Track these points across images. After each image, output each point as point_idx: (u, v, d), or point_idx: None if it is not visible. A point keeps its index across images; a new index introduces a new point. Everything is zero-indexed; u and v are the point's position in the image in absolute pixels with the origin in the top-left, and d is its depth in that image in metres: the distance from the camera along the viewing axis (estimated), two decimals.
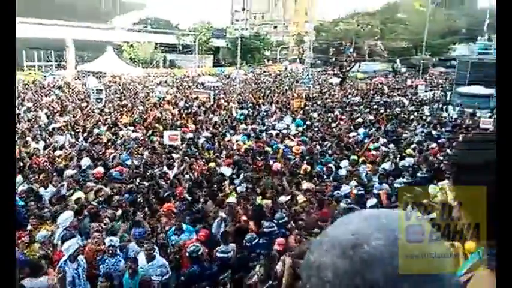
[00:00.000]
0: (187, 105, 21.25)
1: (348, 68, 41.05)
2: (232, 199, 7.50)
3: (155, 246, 5.92)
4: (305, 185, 8.96)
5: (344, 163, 10.80)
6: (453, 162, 1.05)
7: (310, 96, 27.05)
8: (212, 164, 10.40)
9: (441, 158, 11.41)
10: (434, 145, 13.05)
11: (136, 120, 16.42)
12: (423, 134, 15.53)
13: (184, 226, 6.64)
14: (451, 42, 53.91)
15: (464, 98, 24.88)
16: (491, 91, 22.14)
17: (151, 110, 19.16)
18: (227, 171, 9.96)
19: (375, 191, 8.72)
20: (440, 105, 24.84)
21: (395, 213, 0.72)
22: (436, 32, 52.16)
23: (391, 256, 0.63)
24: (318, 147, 13.00)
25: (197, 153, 11.73)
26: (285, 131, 15.41)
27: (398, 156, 11.77)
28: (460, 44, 51.57)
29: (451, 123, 18.52)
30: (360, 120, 18.26)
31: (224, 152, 11.99)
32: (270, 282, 4.65)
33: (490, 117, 18.47)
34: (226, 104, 22.31)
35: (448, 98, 27.56)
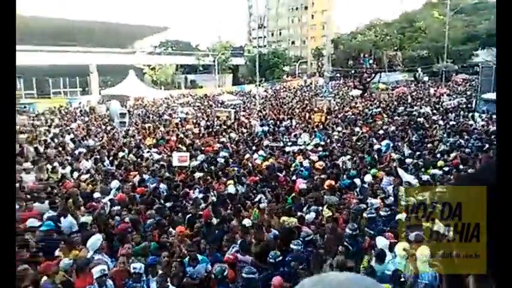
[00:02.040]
0: (209, 124, 21.50)
1: (368, 80, 40.66)
2: (247, 221, 7.42)
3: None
4: (329, 199, 8.86)
5: (368, 177, 10.59)
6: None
7: (331, 109, 26.86)
8: (231, 182, 10.34)
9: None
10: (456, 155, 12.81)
11: (160, 141, 16.67)
12: (449, 144, 15.12)
13: (200, 257, 6.43)
14: (472, 48, 52.72)
15: (491, 104, 24.15)
16: None
17: (173, 130, 19.46)
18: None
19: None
20: (466, 113, 24.13)
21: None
22: (457, 39, 51.23)
23: None
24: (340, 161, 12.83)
25: (219, 172, 11.75)
26: (303, 147, 15.21)
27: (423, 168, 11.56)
28: (482, 49, 50.32)
29: (477, 131, 17.97)
30: (381, 132, 17.97)
31: (242, 171, 11.84)
32: None
33: None
34: (247, 121, 22.44)
35: (473, 106, 26.81)
